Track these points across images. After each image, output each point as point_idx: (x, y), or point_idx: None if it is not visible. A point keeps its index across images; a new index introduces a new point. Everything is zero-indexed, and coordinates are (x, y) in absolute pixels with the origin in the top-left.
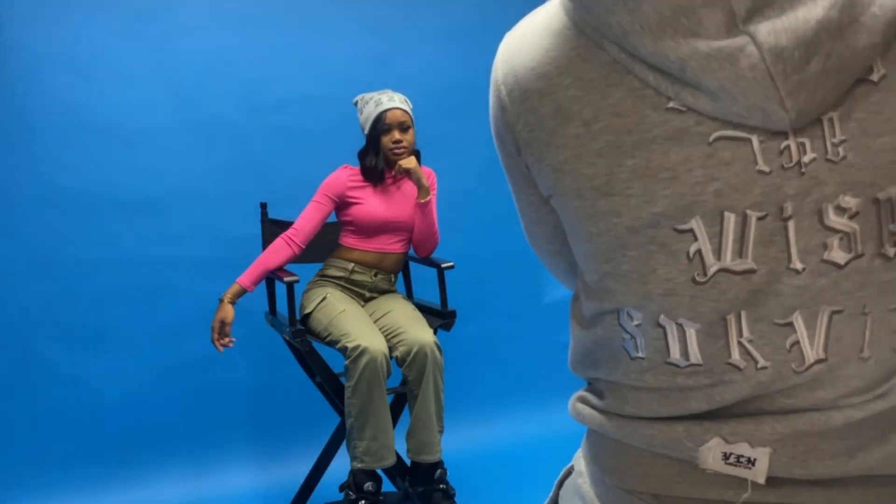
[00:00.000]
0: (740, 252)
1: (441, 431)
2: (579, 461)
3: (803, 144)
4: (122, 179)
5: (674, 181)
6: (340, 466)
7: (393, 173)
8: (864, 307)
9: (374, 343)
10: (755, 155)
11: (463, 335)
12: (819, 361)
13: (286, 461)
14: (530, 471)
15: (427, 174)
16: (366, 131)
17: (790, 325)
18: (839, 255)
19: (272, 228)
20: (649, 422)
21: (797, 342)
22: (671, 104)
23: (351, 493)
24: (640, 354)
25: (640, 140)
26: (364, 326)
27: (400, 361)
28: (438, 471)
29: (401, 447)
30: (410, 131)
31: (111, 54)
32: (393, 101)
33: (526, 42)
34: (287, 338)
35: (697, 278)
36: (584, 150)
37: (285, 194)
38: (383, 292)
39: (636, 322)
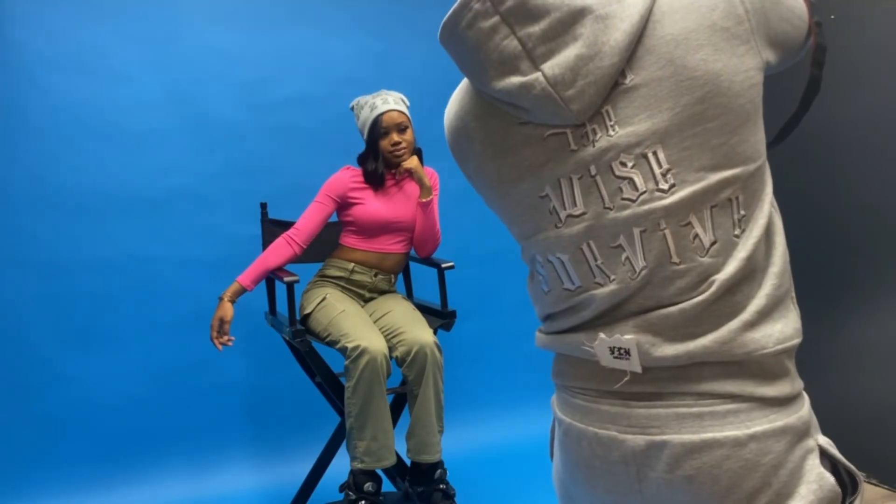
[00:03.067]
0: (574, 203)
1: (441, 431)
2: None
3: (594, 129)
4: (122, 179)
5: (531, 167)
6: (340, 466)
7: (395, 175)
8: (658, 225)
9: (374, 343)
10: (569, 140)
11: (463, 335)
12: (644, 269)
13: (286, 461)
14: (530, 471)
15: (429, 174)
16: (364, 136)
17: (619, 246)
18: (631, 193)
19: (272, 228)
20: (564, 334)
21: (627, 257)
22: (520, 120)
23: (351, 493)
24: (546, 288)
25: (511, 146)
26: (364, 326)
27: (400, 361)
28: (438, 471)
29: (401, 447)
30: (409, 131)
31: (111, 54)
32: (387, 103)
33: (453, 100)
34: (287, 338)
35: (557, 224)
36: (484, 158)
37: (285, 194)
38: (383, 292)
39: (540, 264)
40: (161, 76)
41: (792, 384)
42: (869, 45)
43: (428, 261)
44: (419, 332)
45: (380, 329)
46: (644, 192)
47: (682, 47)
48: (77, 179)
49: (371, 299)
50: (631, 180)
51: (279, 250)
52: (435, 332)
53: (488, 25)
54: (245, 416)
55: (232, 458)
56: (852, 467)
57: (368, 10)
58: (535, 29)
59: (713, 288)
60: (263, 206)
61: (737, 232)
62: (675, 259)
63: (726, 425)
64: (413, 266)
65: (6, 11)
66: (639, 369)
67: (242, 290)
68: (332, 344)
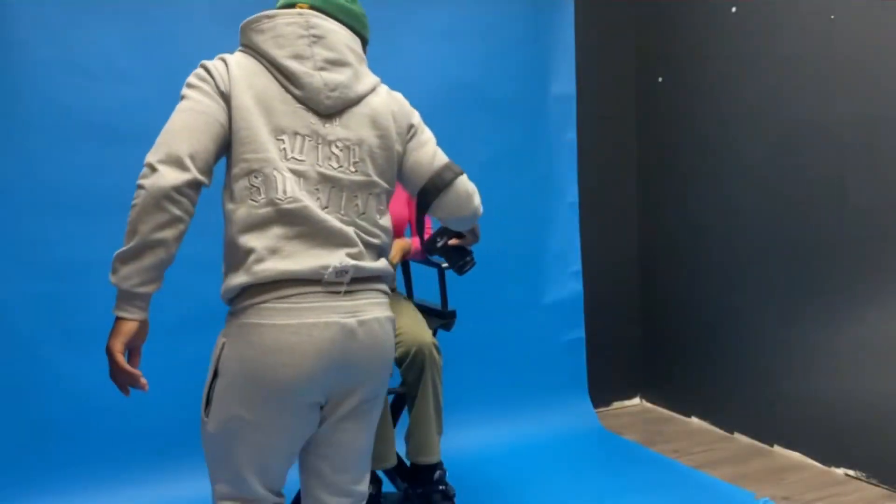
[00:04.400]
0: (301, 152)
1: (440, 433)
2: (229, 325)
3: (330, 122)
4: (121, 180)
5: (280, 118)
6: None
7: None
8: (342, 189)
9: None
10: (312, 116)
11: (463, 335)
12: (325, 209)
13: None
14: (530, 471)
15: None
16: None
17: (318, 189)
18: (334, 163)
19: None
20: (287, 262)
21: (319, 198)
22: (286, 89)
23: None
24: (262, 197)
25: (269, 98)
26: None
27: (399, 362)
28: (437, 472)
29: (400, 448)
30: None
31: (111, 54)
32: None
33: (238, 60)
34: None
35: (285, 158)
36: (248, 98)
37: None
38: None
39: (256, 174)
40: (161, 76)
41: None
42: (869, 42)
43: (428, 261)
44: (418, 333)
45: None
46: (341, 167)
47: (380, 107)
48: (77, 179)
49: None
50: (337, 157)
51: None
52: (435, 333)
53: (301, 32)
54: None
55: None
56: None
57: (368, 10)
58: (327, 54)
59: (380, 240)
60: None
61: (379, 216)
62: (348, 213)
63: (386, 309)
64: (413, 266)
65: (6, 11)
66: (348, 279)
67: None
68: None
